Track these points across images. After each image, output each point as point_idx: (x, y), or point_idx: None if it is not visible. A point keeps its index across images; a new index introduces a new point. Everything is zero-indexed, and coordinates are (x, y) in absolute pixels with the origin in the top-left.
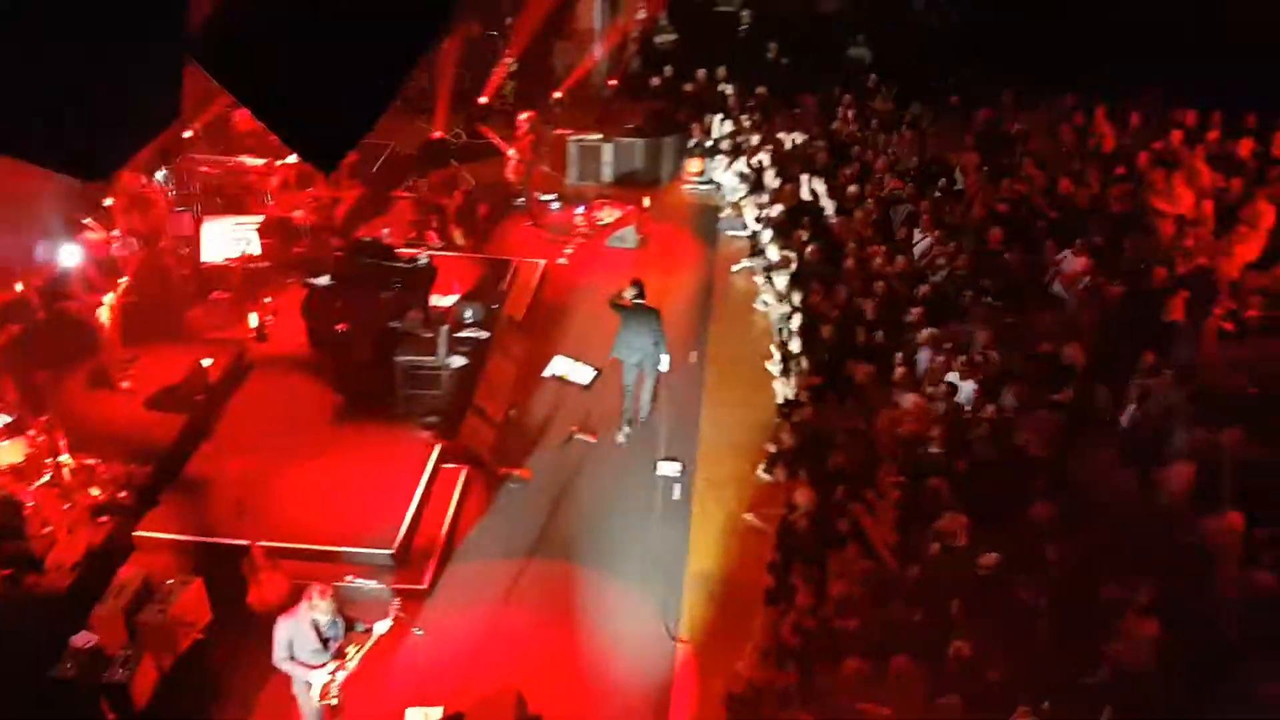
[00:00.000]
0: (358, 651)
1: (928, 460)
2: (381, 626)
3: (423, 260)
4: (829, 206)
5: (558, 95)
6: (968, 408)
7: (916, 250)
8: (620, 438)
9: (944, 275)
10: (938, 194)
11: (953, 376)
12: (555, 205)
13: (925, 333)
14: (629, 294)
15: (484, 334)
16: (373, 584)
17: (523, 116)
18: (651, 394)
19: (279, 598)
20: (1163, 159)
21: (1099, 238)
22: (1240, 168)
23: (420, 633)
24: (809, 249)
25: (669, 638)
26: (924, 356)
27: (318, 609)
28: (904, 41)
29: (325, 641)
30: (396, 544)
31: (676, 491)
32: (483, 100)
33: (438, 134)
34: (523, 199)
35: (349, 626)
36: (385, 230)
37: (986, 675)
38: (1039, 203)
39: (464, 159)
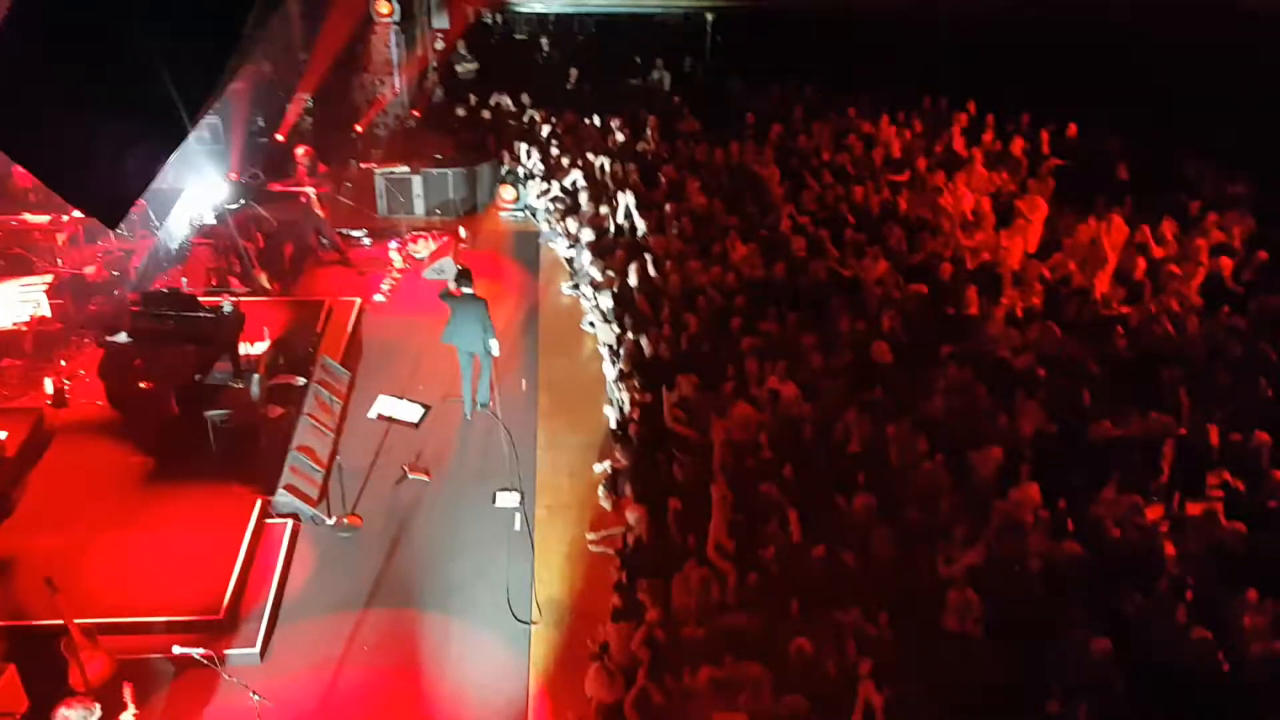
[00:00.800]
0: None
1: (759, 466)
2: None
3: (227, 308)
4: (642, 225)
5: (358, 129)
6: (792, 412)
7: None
8: (467, 413)
9: (760, 285)
10: (746, 208)
11: (776, 383)
12: (366, 241)
13: (748, 342)
14: (456, 284)
15: (300, 380)
16: (203, 653)
17: (299, 151)
18: (489, 380)
19: (102, 677)
20: (944, 161)
21: (893, 240)
22: (1015, 165)
23: (258, 699)
24: (629, 268)
25: (521, 622)
26: (749, 365)
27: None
28: (699, 65)
29: None
30: (223, 608)
31: (517, 522)
32: (279, 138)
33: (233, 175)
34: (331, 238)
35: None
36: (184, 279)
37: (828, 670)
38: (840, 210)
39: (264, 199)
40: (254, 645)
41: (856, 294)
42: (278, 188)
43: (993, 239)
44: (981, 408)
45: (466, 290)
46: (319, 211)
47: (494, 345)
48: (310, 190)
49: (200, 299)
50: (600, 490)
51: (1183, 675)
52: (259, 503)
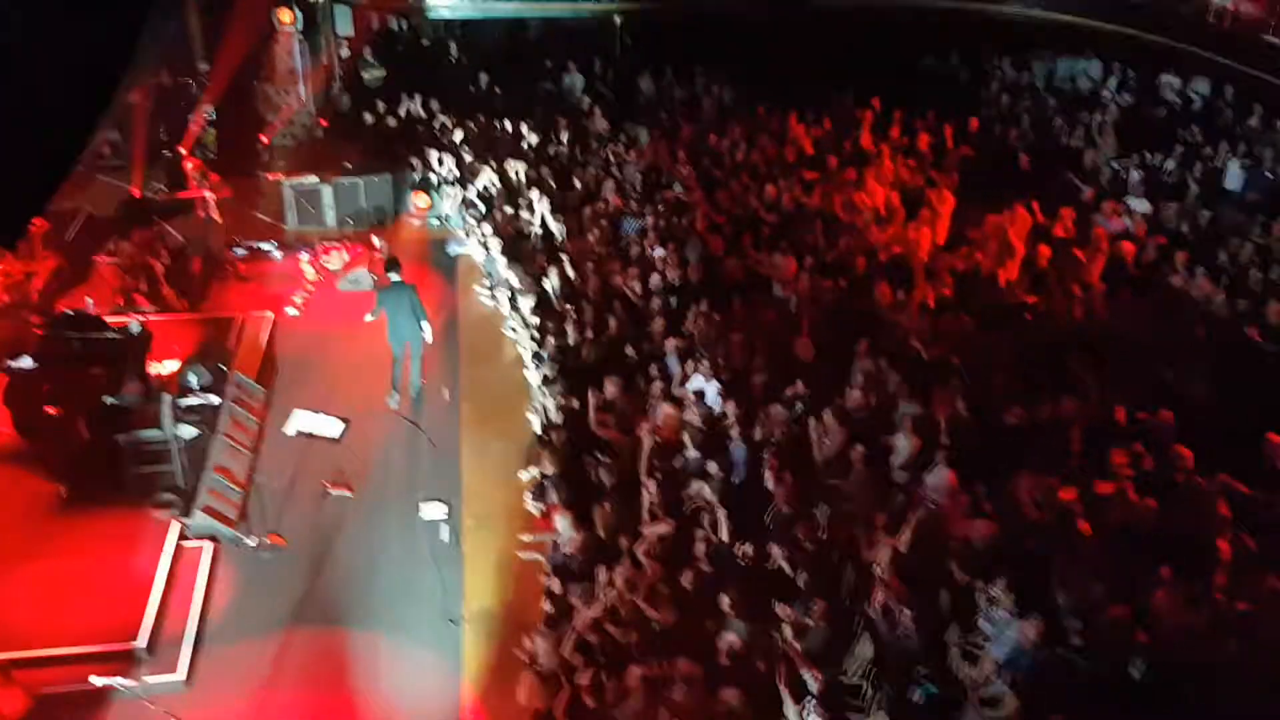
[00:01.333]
0: None
1: (686, 466)
2: None
3: (135, 327)
4: (558, 229)
5: (264, 140)
6: (717, 410)
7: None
8: (391, 403)
9: (679, 285)
10: (663, 209)
11: (700, 383)
12: (277, 254)
13: (670, 343)
14: (385, 273)
15: (214, 399)
16: (124, 682)
17: (190, 158)
18: (419, 367)
19: (16, 714)
20: (853, 158)
21: (808, 237)
22: (922, 160)
23: None
24: (548, 272)
25: (451, 623)
26: (672, 365)
27: None
28: (611, 67)
29: None
30: (144, 636)
31: (444, 533)
32: (181, 151)
33: (136, 192)
34: (242, 249)
35: None
36: (89, 300)
37: (758, 665)
38: (754, 209)
39: (169, 215)
40: (177, 672)
41: (774, 291)
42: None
43: (903, 233)
44: (898, 398)
45: (395, 278)
46: (216, 218)
47: (427, 331)
48: (209, 195)
49: (106, 319)
50: (528, 497)
51: (1102, 656)
52: (176, 526)
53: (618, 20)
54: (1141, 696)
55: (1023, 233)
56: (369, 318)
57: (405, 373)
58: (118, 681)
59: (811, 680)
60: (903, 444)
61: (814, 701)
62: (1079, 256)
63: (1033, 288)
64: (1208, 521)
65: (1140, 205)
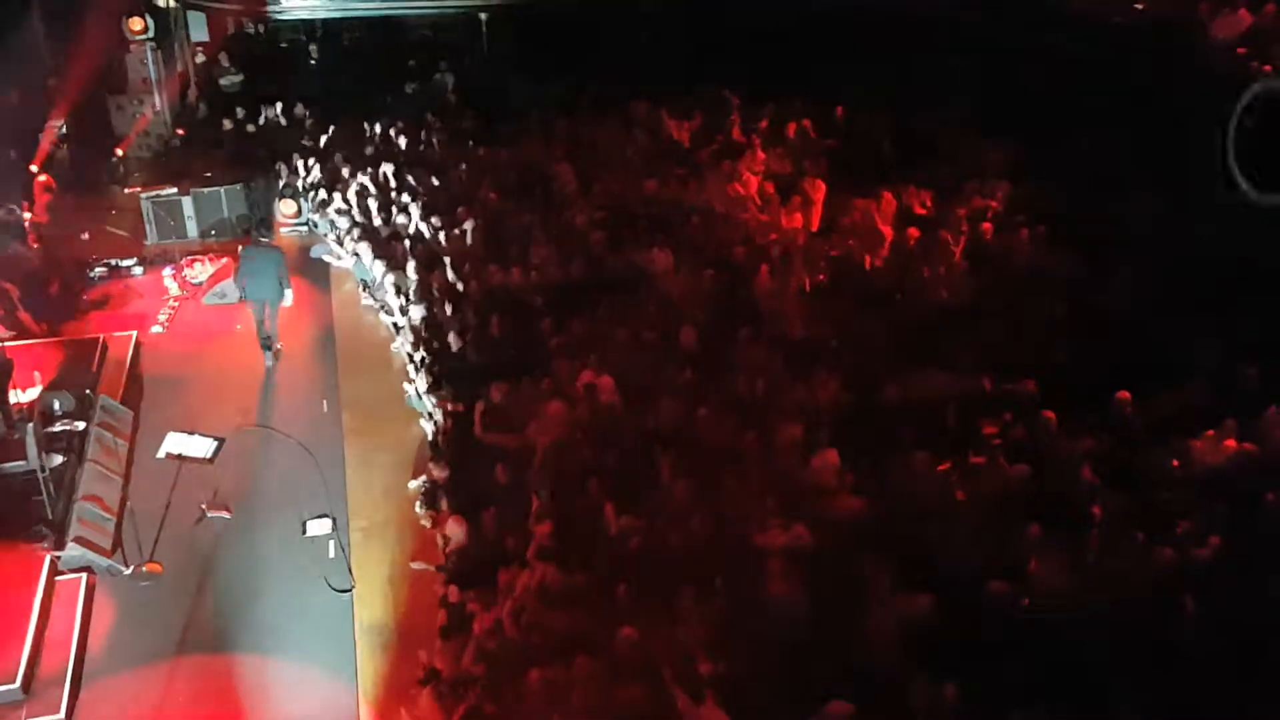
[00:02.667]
0: None
1: (576, 462)
2: None
3: None
4: (435, 231)
5: (119, 153)
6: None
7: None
8: (269, 362)
9: (561, 283)
10: (541, 205)
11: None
12: (138, 270)
13: (555, 341)
14: (256, 233)
15: (79, 424)
16: None
17: (40, 178)
18: (276, 328)
19: None
20: (725, 150)
21: (686, 229)
22: (791, 148)
23: None
24: (426, 276)
25: (341, 591)
26: (559, 365)
27: None
28: (479, 68)
29: None
30: (20, 675)
31: (331, 549)
32: (34, 169)
33: None
34: (101, 268)
35: None
36: None
37: (658, 654)
38: (632, 203)
39: (23, 236)
40: (58, 712)
41: (656, 284)
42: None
43: (778, 221)
44: (781, 382)
45: (264, 240)
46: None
47: (288, 295)
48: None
49: None
50: (418, 506)
51: (988, 623)
52: (47, 559)
53: (483, 18)
54: (1023, 656)
55: (889, 216)
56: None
57: (266, 334)
58: None
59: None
60: (786, 427)
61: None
62: (948, 237)
63: (901, 269)
64: (1076, 483)
65: (999, 184)
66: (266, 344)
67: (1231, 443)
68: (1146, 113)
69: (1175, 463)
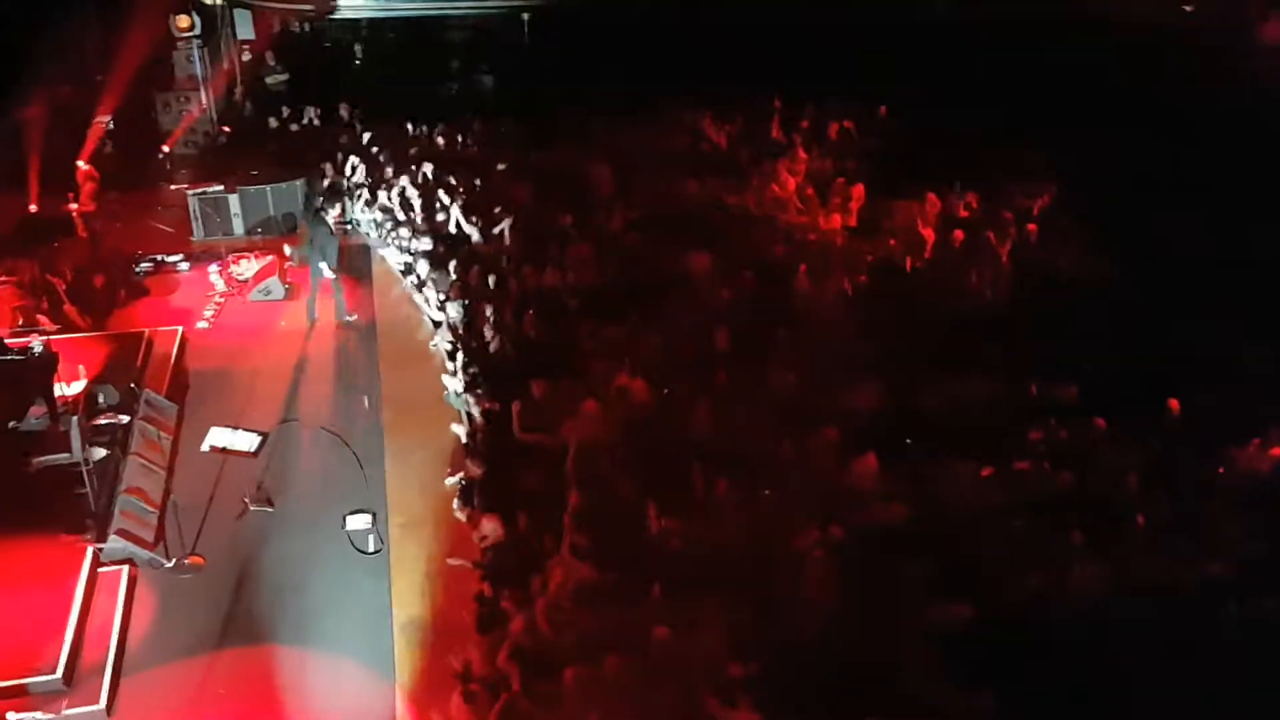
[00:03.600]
0: None
1: (612, 463)
2: None
3: (37, 348)
4: (474, 232)
5: (166, 149)
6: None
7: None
8: (312, 316)
9: (598, 285)
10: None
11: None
12: (184, 266)
13: (590, 343)
14: (322, 203)
15: (123, 418)
16: (43, 716)
17: (83, 166)
18: (314, 298)
19: None
20: (765, 150)
21: (724, 231)
22: (832, 149)
23: None
24: (464, 274)
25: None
26: (595, 366)
27: None
28: (521, 68)
29: None
30: (61, 666)
31: (371, 544)
32: (81, 164)
33: (34, 208)
34: (147, 265)
35: None
36: None
37: (690, 655)
38: (670, 205)
39: (71, 230)
40: (98, 702)
41: (693, 286)
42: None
43: (818, 222)
44: (819, 385)
45: (330, 213)
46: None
47: (325, 270)
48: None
49: (6, 340)
50: (455, 503)
51: (1028, 632)
52: (90, 551)
53: (525, 19)
54: (1063, 665)
55: (932, 218)
56: (291, 261)
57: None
58: (35, 716)
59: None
60: (824, 432)
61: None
62: (993, 238)
63: (945, 271)
64: (1120, 491)
65: (1042, 188)
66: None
67: (1278, 451)
68: (1194, 115)
69: (1220, 470)
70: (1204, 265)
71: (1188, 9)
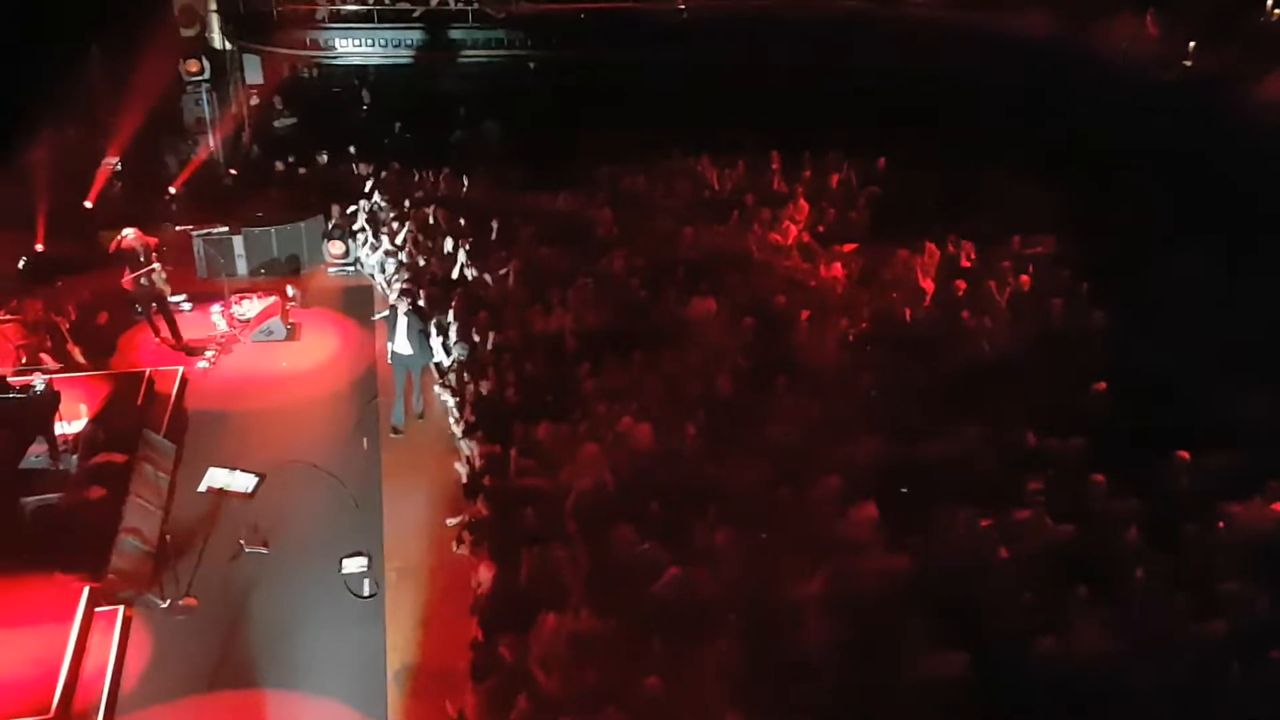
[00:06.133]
0: None
1: (611, 508)
2: None
3: (39, 386)
4: (472, 274)
5: (172, 191)
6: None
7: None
8: (399, 423)
9: (600, 329)
10: (582, 251)
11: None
12: (186, 306)
13: (590, 385)
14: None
15: (123, 457)
16: None
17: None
18: (420, 393)
19: None
20: (767, 199)
21: (726, 277)
22: (834, 198)
23: None
24: (467, 318)
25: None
26: (597, 409)
27: None
28: (526, 114)
29: None
30: (54, 707)
31: (366, 588)
32: (88, 205)
33: (40, 247)
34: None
35: None
36: None
37: (687, 704)
38: (673, 251)
39: (75, 269)
40: None
41: (695, 331)
42: (128, 284)
43: (818, 270)
44: (819, 433)
45: (403, 304)
46: (164, 288)
47: (436, 350)
48: (156, 267)
49: (9, 378)
50: (454, 546)
51: (1029, 681)
52: (86, 590)
53: (531, 66)
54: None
55: (931, 267)
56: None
57: (408, 403)
58: None
59: None
60: (825, 484)
61: None
62: (993, 287)
63: (944, 320)
64: (1119, 544)
65: (1043, 238)
66: (396, 427)
67: (1278, 506)
68: (1193, 168)
69: (1220, 525)
70: (1207, 318)
71: (1186, 63)
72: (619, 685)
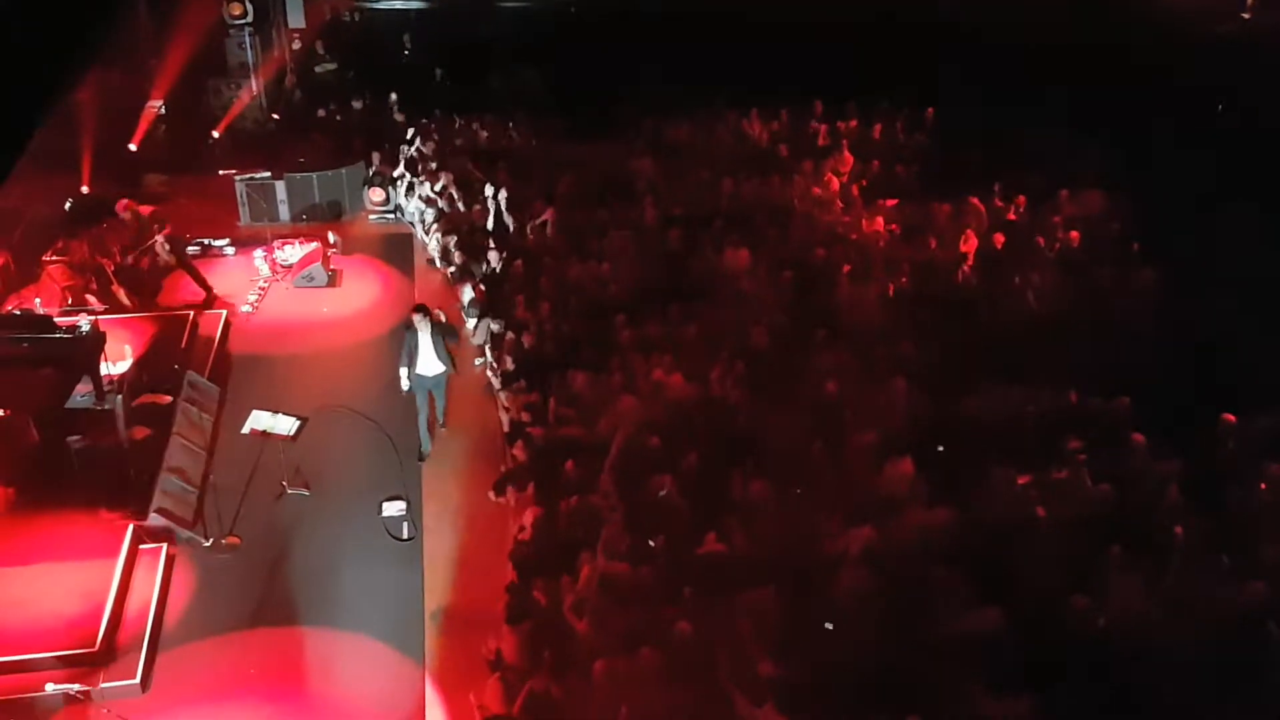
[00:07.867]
0: None
1: (649, 458)
2: None
3: (85, 327)
4: (511, 222)
5: (215, 135)
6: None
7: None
8: (425, 447)
9: (638, 279)
10: (621, 203)
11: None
12: (230, 250)
13: (628, 336)
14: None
15: (167, 398)
16: (80, 688)
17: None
18: (443, 408)
19: None
20: (810, 150)
21: (766, 229)
22: (877, 150)
23: None
24: (505, 266)
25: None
26: (633, 360)
27: None
28: (567, 61)
29: None
30: (99, 640)
31: (405, 530)
32: (132, 147)
33: (86, 189)
34: (194, 248)
35: None
36: (37, 300)
37: (720, 652)
38: (713, 202)
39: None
40: (134, 676)
41: (733, 283)
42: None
43: (860, 223)
44: (857, 387)
45: (427, 319)
46: (169, 259)
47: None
48: (159, 239)
49: (56, 319)
50: (491, 494)
51: (1063, 641)
52: (131, 528)
53: (573, 10)
54: (1097, 681)
55: (978, 221)
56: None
57: (431, 424)
58: (73, 688)
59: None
60: (861, 439)
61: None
62: (1041, 243)
63: (989, 276)
64: (1160, 504)
65: (1092, 193)
66: (423, 454)
67: None
68: (1248, 125)
69: (1263, 486)
70: (1255, 278)
71: (1245, 15)
72: (652, 630)
